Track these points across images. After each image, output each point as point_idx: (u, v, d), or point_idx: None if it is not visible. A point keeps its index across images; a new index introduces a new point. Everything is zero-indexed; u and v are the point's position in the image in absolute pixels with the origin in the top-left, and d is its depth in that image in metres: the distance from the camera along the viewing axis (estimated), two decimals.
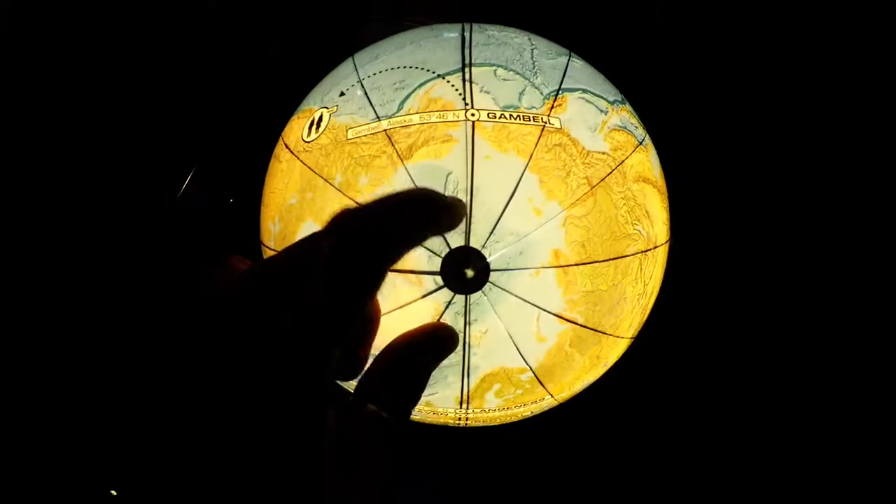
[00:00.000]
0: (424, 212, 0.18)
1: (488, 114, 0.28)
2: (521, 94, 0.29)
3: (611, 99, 0.33)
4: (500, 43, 0.32)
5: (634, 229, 0.30)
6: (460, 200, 0.19)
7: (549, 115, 0.29)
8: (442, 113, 0.28)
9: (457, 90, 0.28)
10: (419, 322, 0.23)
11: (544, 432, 0.52)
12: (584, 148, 0.29)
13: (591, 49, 0.36)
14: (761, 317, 0.60)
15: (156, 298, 0.51)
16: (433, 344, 0.20)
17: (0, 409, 0.48)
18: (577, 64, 0.33)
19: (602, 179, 0.29)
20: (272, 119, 0.37)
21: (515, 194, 0.27)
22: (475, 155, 0.27)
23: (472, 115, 0.28)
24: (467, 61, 0.30)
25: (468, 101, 0.28)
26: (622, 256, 0.29)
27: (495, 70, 0.30)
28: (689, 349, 0.59)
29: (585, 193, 0.28)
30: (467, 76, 0.29)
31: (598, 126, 0.30)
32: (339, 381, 0.25)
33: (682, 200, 0.44)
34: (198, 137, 0.58)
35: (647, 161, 0.32)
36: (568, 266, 0.28)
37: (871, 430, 0.56)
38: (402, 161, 0.27)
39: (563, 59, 0.32)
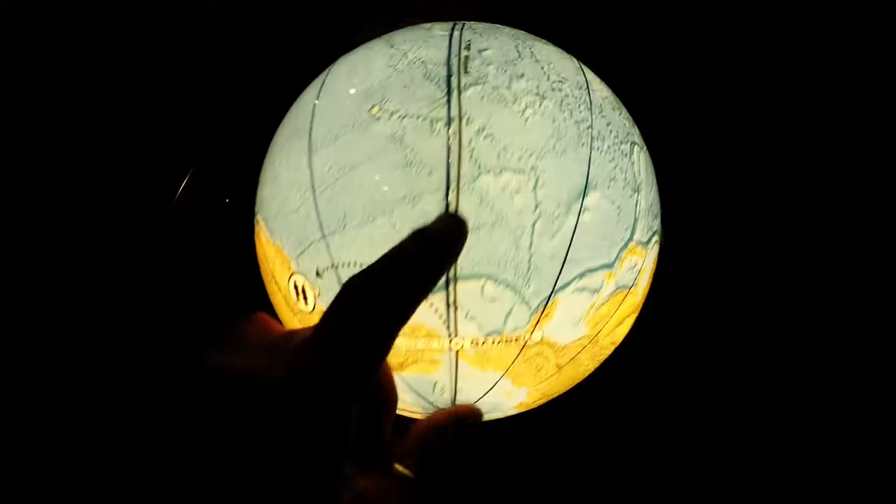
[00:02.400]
0: (424, 263, 0.18)
1: (471, 341, 0.29)
2: (508, 314, 0.28)
3: (615, 253, 0.30)
4: (492, 223, 0.27)
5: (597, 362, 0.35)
6: (453, 219, 0.19)
7: (532, 332, 0.29)
8: (427, 340, 0.29)
9: (440, 316, 0.28)
10: None
11: (542, 432, 0.53)
12: (561, 346, 0.31)
13: (591, 50, 0.36)
14: (757, 318, 0.59)
15: (153, 301, 0.52)
16: (462, 423, 0.22)
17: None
18: (587, 219, 0.28)
19: (571, 359, 0.32)
20: (271, 119, 0.36)
21: (490, 391, 0.32)
22: (458, 372, 0.30)
23: (456, 344, 0.29)
24: (452, 273, 0.27)
25: (452, 329, 0.28)
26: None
27: (483, 286, 0.28)
28: (684, 350, 0.58)
29: (553, 374, 0.32)
30: (451, 299, 0.28)
31: (585, 313, 0.30)
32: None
33: (681, 200, 0.44)
34: (195, 138, 0.56)
35: (629, 314, 0.33)
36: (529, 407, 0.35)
37: (870, 429, 0.56)
38: (392, 371, 0.31)
39: (571, 224, 0.28)
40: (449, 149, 0.27)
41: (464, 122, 0.28)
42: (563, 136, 0.29)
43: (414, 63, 0.30)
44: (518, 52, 0.32)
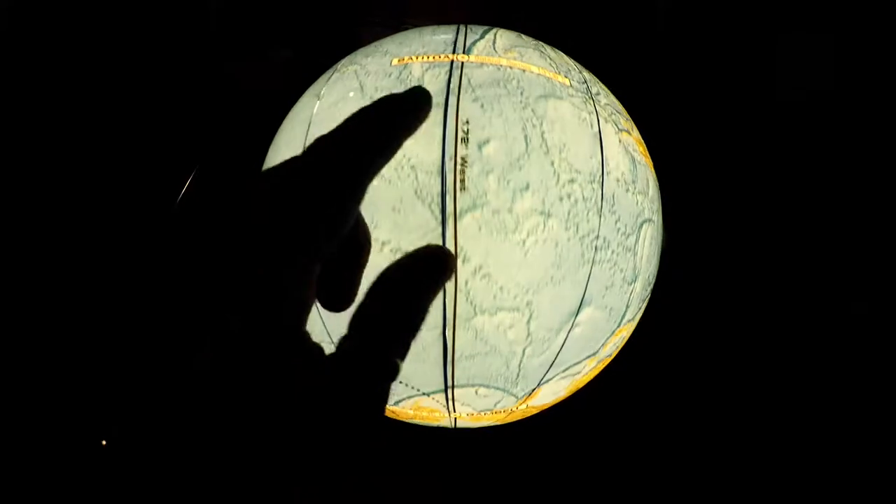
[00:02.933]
0: (391, 114, 0.18)
1: (467, 414, 0.34)
2: (497, 402, 0.32)
3: (601, 344, 0.32)
4: (486, 353, 0.29)
5: None
6: (420, 88, 0.18)
7: (517, 407, 0.34)
8: (430, 412, 0.34)
9: (441, 405, 0.32)
10: None
11: (540, 432, 0.52)
12: (543, 405, 0.36)
13: (592, 51, 0.37)
14: (758, 317, 0.59)
15: (156, 300, 0.49)
16: (430, 267, 0.18)
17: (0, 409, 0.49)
18: (577, 332, 0.30)
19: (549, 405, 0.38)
20: (272, 121, 0.36)
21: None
22: (456, 423, 0.36)
23: (454, 416, 0.34)
24: (450, 382, 0.30)
25: (450, 409, 0.33)
26: None
27: (476, 390, 0.31)
28: (685, 349, 0.58)
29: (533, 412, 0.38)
30: (450, 395, 0.31)
31: (566, 388, 0.34)
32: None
33: (680, 200, 0.44)
34: (197, 140, 0.56)
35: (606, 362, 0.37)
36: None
37: (869, 429, 0.56)
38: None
39: (560, 341, 0.30)
40: (444, 289, 0.27)
41: (460, 259, 0.26)
42: (565, 262, 0.28)
43: (403, 167, 0.27)
44: (526, 138, 0.27)
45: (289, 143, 0.32)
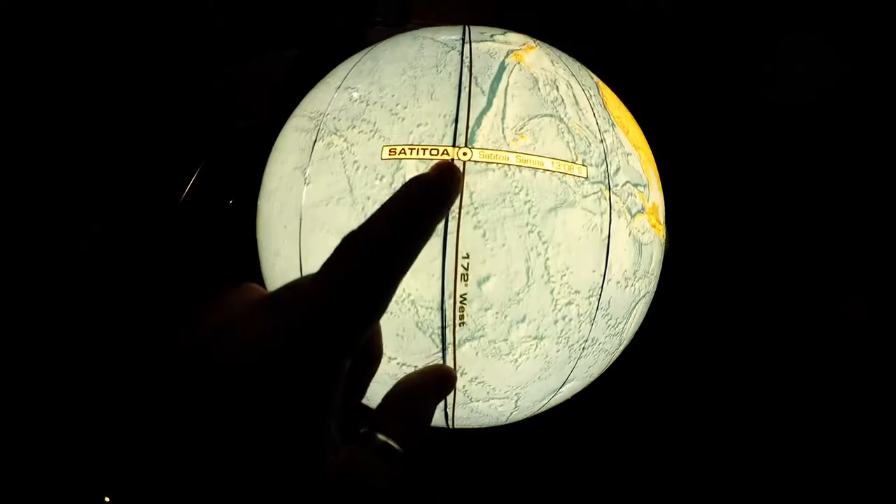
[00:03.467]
0: (423, 202, 0.17)
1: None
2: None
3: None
4: (479, 418, 0.34)
5: None
6: (449, 167, 0.18)
7: None
8: None
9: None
10: None
11: (540, 431, 0.49)
12: None
13: (592, 51, 0.37)
14: (757, 317, 0.58)
15: (158, 301, 0.50)
16: (438, 385, 0.21)
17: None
18: (559, 397, 0.35)
19: None
20: (272, 121, 0.36)
21: None
22: None
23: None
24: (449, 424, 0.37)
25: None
26: None
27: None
28: (685, 350, 0.58)
29: None
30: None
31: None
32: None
33: (680, 200, 0.44)
34: (199, 140, 0.56)
35: None
36: None
37: (870, 429, 0.56)
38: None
39: (543, 404, 0.35)
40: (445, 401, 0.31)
41: (459, 372, 0.30)
42: (552, 365, 0.31)
43: (404, 301, 0.27)
44: (528, 270, 0.27)
45: (280, 213, 0.31)
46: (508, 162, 0.27)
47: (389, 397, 0.20)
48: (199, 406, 0.15)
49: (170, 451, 0.15)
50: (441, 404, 0.32)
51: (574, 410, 0.40)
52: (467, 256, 0.26)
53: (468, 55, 0.29)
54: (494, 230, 0.26)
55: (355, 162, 0.28)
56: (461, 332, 0.28)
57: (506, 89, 0.28)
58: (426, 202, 0.17)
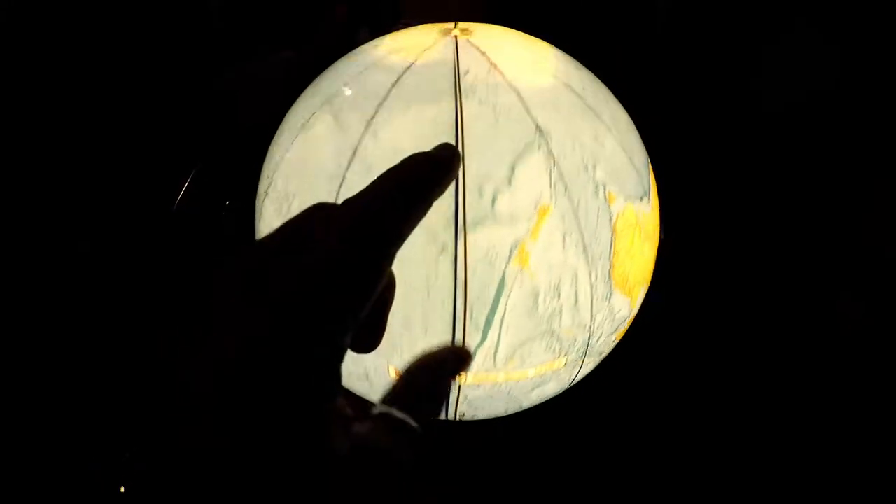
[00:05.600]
0: (421, 171, 0.18)
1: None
2: None
3: None
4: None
5: None
6: (448, 146, 0.18)
7: None
8: None
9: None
10: None
11: (539, 429, 0.52)
12: None
13: (592, 52, 0.38)
14: (756, 317, 0.57)
15: (155, 300, 0.49)
16: (453, 361, 0.20)
17: None
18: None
19: None
20: (270, 121, 0.38)
21: None
22: None
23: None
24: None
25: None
26: None
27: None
28: (683, 345, 0.56)
29: None
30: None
31: None
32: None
33: (679, 201, 0.46)
34: (196, 141, 0.57)
35: None
36: None
37: (870, 431, 0.54)
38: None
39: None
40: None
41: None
42: None
43: None
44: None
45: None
46: (497, 380, 0.31)
47: (405, 375, 0.20)
48: (196, 398, 0.15)
49: (171, 444, 0.15)
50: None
51: (574, 410, 0.42)
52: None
53: (462, 261, 0.28)
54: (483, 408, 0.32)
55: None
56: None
57: (502, 318, 0.29)
58: (424, 173, 0.18)
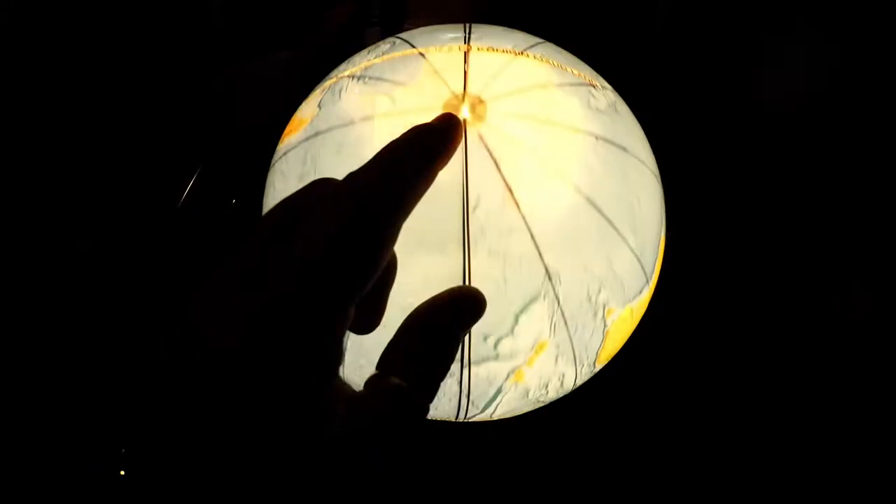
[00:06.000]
0: (422, 141, 0.17)
1: None
2: None
3: None
4: None
5: None
6: (449, 115, 0.18)
7: None
8: None
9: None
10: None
11: (540, 429, 0.51)
12: None
13: (591, 53, 0.38)
14: (754, 316, 0.56)
15: (160, 300, 0.48)
16: (461, 308, 0.18)
17: None
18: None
19: None
20: (273, 120, 0.37)
21: None
22: None
23: None
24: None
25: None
26: None
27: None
28: (684, 347, 0.55)
29: None
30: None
31: None
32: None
33: (680, 201, 0.47)
34: (198, 139, 0.56)
35: None
36: None
37: (868, 428, 0.54)
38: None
39: None
40: None
41: None
42: None
43: None
44: None
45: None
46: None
47: (403, 331, 0.18)
48: (196, 397, 0.14)
49: (173, 442, 0.14)
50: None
51: (573, 409, 0.41)
52: None
53: (467, 385, 0.29)
54: None
55: None
56: None
57: (496, 408, 0.32)
58: (427, 145, 0.17)
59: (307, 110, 0.34)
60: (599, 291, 0.30)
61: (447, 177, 0.28)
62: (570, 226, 0.29)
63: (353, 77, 0.33)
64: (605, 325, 0.32)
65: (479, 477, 0.55)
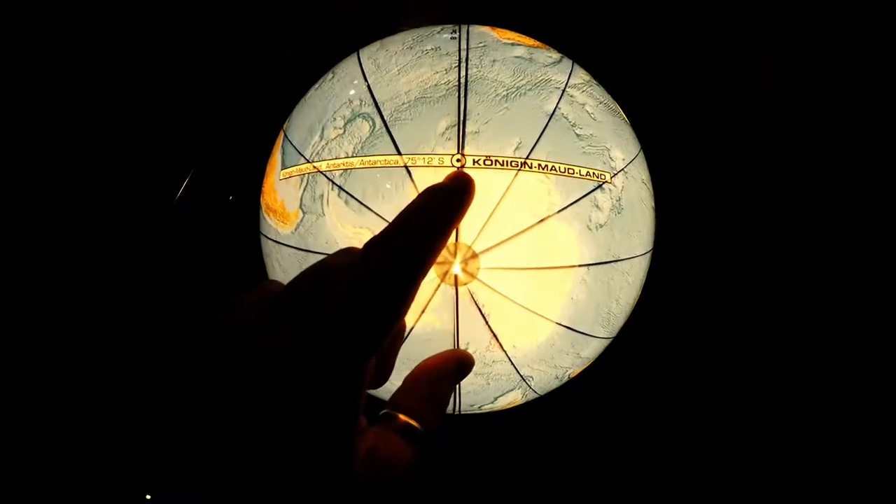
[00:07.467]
0: (439, 205, 0.19)
1: None
2: None
3: None
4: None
5: None
6: (461, 176, 0.19)
7: None
8: None
9: None
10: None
11: (539, 429, 0.53)
12: None
13: (591, 53, 0.38)
14: (753, 314, 0.57)
15: (158, 300, 0.49)
16: (458, 364, 0.22)
17: None
18: None
19: None
20: (269, 118, 0.38)
21: None
22: None
23: None
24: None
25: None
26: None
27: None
28: (675, 351, 0.56)
29: None
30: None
31: None
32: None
33: (679, 201, 0.49)
34: (196, 136, 0.57)
35: None
36: None
37: (871, 431, 0.55)
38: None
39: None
40: None
41: None
42: None
43: None
44: None
45: None
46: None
47: (409, 380, 0.20)
48: (203, 410, 0.15)
49: (170, 451, 0.15)
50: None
51: (572, 408, 0.44)
52: None
53: (458, 407, 0.34)
54: None
55: None
56: None
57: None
58: (442, 206, 0.19)
59: (290, 202, 0.31)
60: (567, 370, 0.35)
61: (441, 326, 0.30)
62: (546, 348, 0.32)
63: (332, 183, 0.29)
64: (568, 378, 0.36)
65: (479, 477, 0.57)
